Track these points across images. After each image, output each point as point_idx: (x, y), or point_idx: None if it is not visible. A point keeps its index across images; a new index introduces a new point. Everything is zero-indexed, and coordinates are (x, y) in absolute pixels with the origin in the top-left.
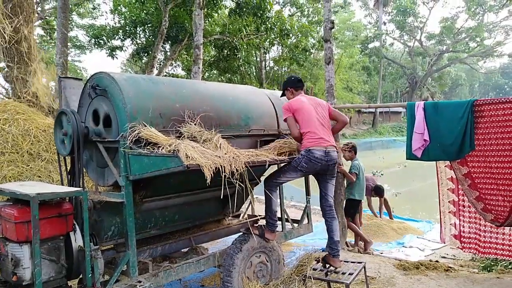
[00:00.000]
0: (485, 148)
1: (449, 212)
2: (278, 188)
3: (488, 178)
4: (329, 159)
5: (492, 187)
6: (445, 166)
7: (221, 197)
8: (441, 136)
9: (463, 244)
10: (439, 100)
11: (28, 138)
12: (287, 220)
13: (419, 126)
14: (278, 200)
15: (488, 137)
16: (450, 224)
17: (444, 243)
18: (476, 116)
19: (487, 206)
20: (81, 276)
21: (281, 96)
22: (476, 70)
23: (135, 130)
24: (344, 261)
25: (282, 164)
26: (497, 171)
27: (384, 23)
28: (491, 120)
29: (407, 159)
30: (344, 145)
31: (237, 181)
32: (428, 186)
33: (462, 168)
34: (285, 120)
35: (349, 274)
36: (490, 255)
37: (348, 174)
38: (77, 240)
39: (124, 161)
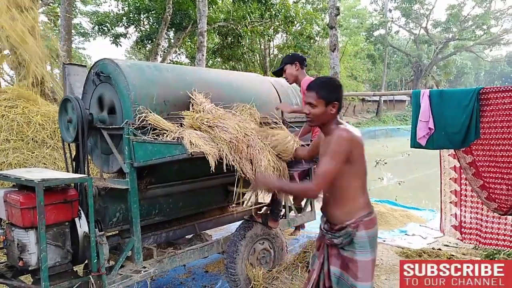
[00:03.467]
0: (491, 137)
1: (450, 202)
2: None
3: (493, 167)
4: None
5: (496, 175)
6: (449, 155)
7: (225, 184)
8: (446, 124)
9: (463, 235)
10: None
11: (33, 125)
12: (290, 208)
13: (424, 114)
14: None
15: (494, 125)
16: (451, 214)
17: (444, 234)
18: (482, 104)
19: (491, 195)
20: (86, 262)
21: (276, 71)
22: (482, 58)
23: (141, 118)
24: None
25: None
26: (502, 160)
27: (390, 10)
28: (497, 108)
29: (411, 147)
30: None
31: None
32: (432, 175)
33: (466, 157)
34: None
35: None
36: (491, 246)
37: None
38: (82, 226)
39: (128, 148)
